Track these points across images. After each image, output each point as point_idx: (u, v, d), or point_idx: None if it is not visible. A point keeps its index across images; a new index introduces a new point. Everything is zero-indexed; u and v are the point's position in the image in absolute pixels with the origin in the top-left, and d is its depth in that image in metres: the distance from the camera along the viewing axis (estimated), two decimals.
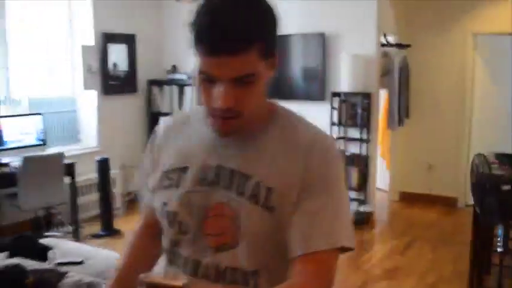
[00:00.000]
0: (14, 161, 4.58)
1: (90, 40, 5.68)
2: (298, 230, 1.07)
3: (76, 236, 4.94)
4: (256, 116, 1.11)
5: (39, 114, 5.14)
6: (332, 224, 1.08)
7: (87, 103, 5.86)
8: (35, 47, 5.44)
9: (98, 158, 5.23)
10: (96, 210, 5.41)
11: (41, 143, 5.06)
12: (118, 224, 5.30)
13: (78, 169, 5.07)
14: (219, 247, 1.11)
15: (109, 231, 5.19)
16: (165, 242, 1.21)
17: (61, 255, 3.20)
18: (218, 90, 1.02)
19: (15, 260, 2.80)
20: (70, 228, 5.06)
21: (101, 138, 5.85)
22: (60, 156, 4.80)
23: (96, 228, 5.24)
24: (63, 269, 2.84)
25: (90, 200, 5.49)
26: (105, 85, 5.86)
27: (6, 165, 4.59)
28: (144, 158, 1.30)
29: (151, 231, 1.29)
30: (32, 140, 5.01)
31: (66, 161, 4.87)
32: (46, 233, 4.61)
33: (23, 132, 4.96)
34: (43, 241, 3.36)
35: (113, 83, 5.96)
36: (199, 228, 1.13)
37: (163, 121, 1.29)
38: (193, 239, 1.14)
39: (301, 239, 1.06)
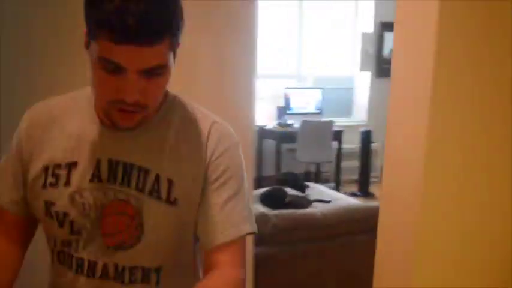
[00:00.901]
0: (295, 123, 5.80)
1: (370, 28, 6.55)
2: (208, 222, 1.04)
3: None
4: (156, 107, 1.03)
5: (320, 88, 6.29)
6: (240, 213, 1.06)
7: (362, 82, 6.78)
8: (323, 33, 6.58)
9: (362, 129, 6.10)
10: (355, 175, 6.31)
11: (318, 111, 6.22)
12: (373, 188, 6.10)
13: (345, 137, 6.05)
14: (117, 246, 1.04)
15: (365, 193, 6.04)
16: (50, 242, 1.10)
17: (315, 194, 4.16)
18: (125, 81, 0.89)
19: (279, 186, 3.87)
20: (332, 185, 6.09)
21: (369, 115, 6.70)
22: (330, 123, 5.83)
23: (354, 189, 6.16)
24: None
25: (351, 165, 6.41)
26: (378, 68, 6.66)
27: (290, 125, 5.86)
28: (6, 156, 1.13)
29: (7, 233, 1.13)
30: (312, 109, 6.20)
31: (336, 129, 5.89)
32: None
33: (305, 102, 6.19)
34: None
35: (386, 66, 6.71)
36: (95, 227, 1.04)
37: (31, 111, 1.12)
38: (88, 239, 1.04)
39: (213, 230, 1.04)
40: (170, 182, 1.03)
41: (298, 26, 6.40)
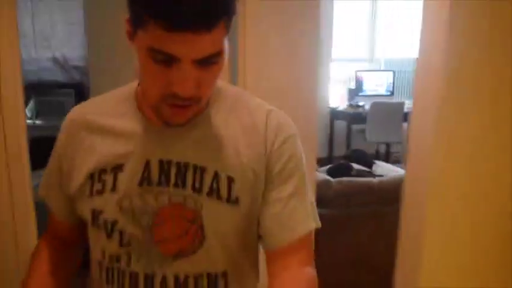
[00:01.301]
0: (366, 104, 6.03)
1: None
2: (274, 220, 0.96)
3: None
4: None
5: (392, 71, 6.45)
6: (306, 207, 0.99)
7: None
8: (395, 15, 6.72)
9: None
10: None
11: (389, 93, 6.39)
12: None
13: None
14: (177, 254, 0.94)
15: None
16: (97, 256, 1.00)
17: (381, 171, 4.41)
18: (178, 73, 0.80)
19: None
20: (401, 165, 6.26)
21: None
22: (401, 105, 5.99)
23: None
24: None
25: None
26: None
27: (361, 107, 6.10)
28: (50, 160, 1.07)
29: (60, 245, 1.10)
30: (383, 91, 6.38)
31: (407, 111, 6.04)
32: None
33: (377, 84, 6.38)
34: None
35: None
36: (148, 236, 0.93)
37: (68, 119, 1.03)
38: (141, 250, 0.94)
39: (279, 229, 0.96)
40: (230, 180, 0.93)
41: (371, 9, 6.58)
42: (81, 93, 4.32)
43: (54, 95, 4.84)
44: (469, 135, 1.54)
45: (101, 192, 0.95)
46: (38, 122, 4.49)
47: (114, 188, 0.94)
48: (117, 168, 0.95)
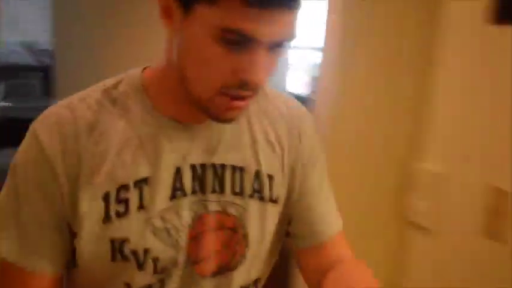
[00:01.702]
0: None
1: None
2: (324, 208, 0.90)
3: None
4: None
5: None
6: (332, 196, 0.92)
7: None
8: None
9: None
10: None
11: None
12: None
13: None
14: (215, 273, 0.80)
15: None
16: None
17: None
18: (253, 58, 0.65)
19: None
20: None
21: None
22: None
23: None
24: None
25: None
26: None
27: None
28: (26, 196, 0.74)
29: None
30: None
31: None
32: None
33: None
34: None
35: None
36: (185, 256, 0.77)
37: (50, 130, 0.73)
38: (177, 274, 0.78)
39: (331, 215, 0.90)
40: (271, 178, 0.83)
41: None
42: (49, 76, 4.38)
43: (23, 77, 4.89)
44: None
45: (123, 214, 0.73)
46: (6, 103, 4.55)
47: (141, 206, 0.74)
48: (142, 182, 0.74)
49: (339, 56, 1.45)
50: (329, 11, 1.47)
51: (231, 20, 0.62)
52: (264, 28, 0.63)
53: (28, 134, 0.75)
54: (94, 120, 0.74)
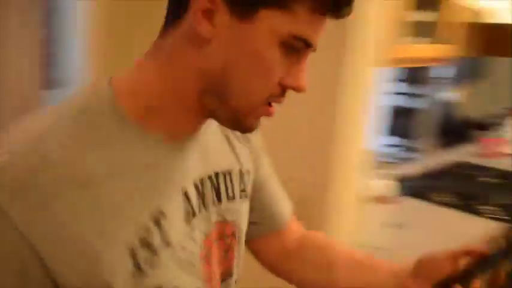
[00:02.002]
0: None
1: None
2: (276, 200, 0.94)
3: None
4: None
5: None
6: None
7: None
8: None
9: None
10: None
11: None
12: None
13: None
14: (221, 281, 0.79)
15: None
16: None
17: None
18: (301, 65, 0.64)
19: None
20: None
21: None
22: None
23: None
24: None
25: None
26: None
27: None
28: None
29: None
30: None
31: None
32: None
33: None
34: None
35: None
36: (202, 281, 0.71)
37: (16, 195, 0.54)
38: None
39: (282, 206, 0.95)
40: (248, 173, 0.84)
41: None
42: None
43: None
44: None
45: (152, 257, 0.62)
46: None
47: (167, 244, 0.64)
48: (160, 216, 0.64)
49: None
50: None
51: (302, 26, 0.59)
52: (317, 35, 0.62)
53: None
54: (84, 161, 0.58)
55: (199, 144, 0.72)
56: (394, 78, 5.94)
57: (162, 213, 0.64)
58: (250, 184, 0.85)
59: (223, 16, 0.59)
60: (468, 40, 2.71)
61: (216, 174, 0.76)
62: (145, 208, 0.62)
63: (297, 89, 0.64)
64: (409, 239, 1.70)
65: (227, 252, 0.79)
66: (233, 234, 0.79)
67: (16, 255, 0.54)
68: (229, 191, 0.78)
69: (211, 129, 0.76)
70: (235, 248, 0.81)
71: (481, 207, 2.04)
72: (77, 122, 0.60)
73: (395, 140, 6.10)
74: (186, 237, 0.68)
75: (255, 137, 0.88)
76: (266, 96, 0.63)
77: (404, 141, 5.96)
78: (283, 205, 0.95)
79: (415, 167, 2.59)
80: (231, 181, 0.79)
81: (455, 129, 4.35)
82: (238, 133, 0.79)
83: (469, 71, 5.01)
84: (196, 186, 0.71)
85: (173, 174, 0.67)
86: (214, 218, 0.75)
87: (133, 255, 0.60)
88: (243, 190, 0.82)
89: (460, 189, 2.24)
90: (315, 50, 0.64)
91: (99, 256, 0.57)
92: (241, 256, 0.83)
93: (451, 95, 5.17)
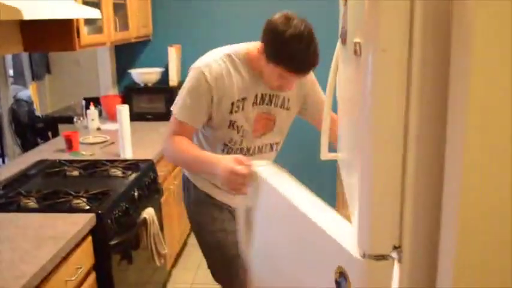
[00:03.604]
0: None
1: None
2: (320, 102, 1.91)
3: None
4: None
5: None
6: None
7: None
8: None
9: None
10: None
11: None
12: None
13: None
14: (263, 134, 1.88)
15: None
16: (225, 141, 1.85)
17: None
18: (291, 81, 1.74)
19: None
20: None
21: None
22: None
23: None
24: None
25: None
26: None
27: None
28: (199, 90, 1.74)
29: (190, 135, 1.82)
30: None
31: None
32: None
33: None
34: None
35: None
36: (251, 128, 1.84)
37: (210, 72, 1.74)
38: (247, 136, 1.85)
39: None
40: (288, 100, 1.89)
41: None
42: None
43: None
44: None
45: (237, 111, 1.81)
46: None
47: (243, 109, 1.82)
48: (244, 99, 1.81)
49: None
50: None
51: (283, 73, 1.68)
52: (296, 79, 1.77)
53: (196, 71, 1.78)
54: (228, 70, 1.78)
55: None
56: None
57: (246, 98, 1.81)
58: (289, 105, 1.90)
59: (263, 57, 1.71)
60: (15, 38, 2.65)
61: (272, 94, 1.85)
62: (241, 94, 1.79)
63: (282, 84, 1.77)
64: None
65: (266, 125, 1.89)
66: (271, 119, 1.89)
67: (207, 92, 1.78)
68: (277, 103, 1.87)
69: None
70: (271, 125, 1.91)
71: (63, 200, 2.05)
72: (230, 58, 1.81)
73: None
74: (251, 111, 1.83)
75: (304, 79, 1.86)
76: (274, 80, 1.75)
77: None
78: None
79: None
80: (278, 99, 1.87)
81: (37, 127, 4.28)
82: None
83: (31, 68, 4.97)
84: (262, 95, 1.83)
85: (254, 88, 1.81)
86: (265, 109, 1.86)
87: (232, 104, 1.79)
88: (282, 105, 1.89)
89: (51, 187, 2.20)
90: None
91: (223, 99, 1.78)
92: (276, 127, 1.93)
93: (22, 94, 5.04)
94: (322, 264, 1.12)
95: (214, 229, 1.91)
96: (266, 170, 1.46)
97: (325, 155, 1.61)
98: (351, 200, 1.22)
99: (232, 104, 1.78)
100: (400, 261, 0.92)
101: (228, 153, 1.84)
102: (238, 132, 1.84)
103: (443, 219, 0.80)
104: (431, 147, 0.82)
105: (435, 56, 0.79)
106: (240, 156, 1.57)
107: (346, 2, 1.20)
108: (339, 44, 1.44)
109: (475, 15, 0.65)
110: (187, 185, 2.02)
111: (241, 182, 1.50)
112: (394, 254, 0.93)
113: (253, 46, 1.78)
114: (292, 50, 1.60)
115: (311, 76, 1.93)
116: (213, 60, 1.77)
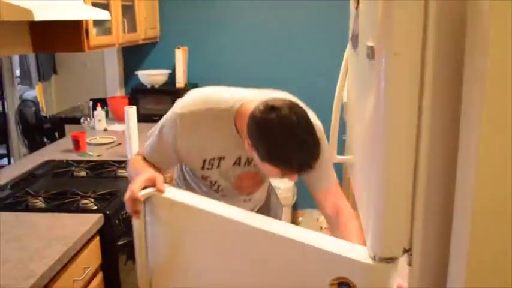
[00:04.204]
0: None
1: None
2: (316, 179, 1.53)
3: None
4: None
5: None
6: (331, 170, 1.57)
7: None
8: None
9: None
10: None
11: None
12: None
13: None
14: (250, 193, 1.68)
15: None
16: (199, 182, 1.64)
17: None
18: (295, 175, 1.35)
19: None
20: None
21: None
22: None
23: None
24: None
25: None
26: None
27: None
28: (164, 143, 1.52)
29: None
30: None
31: None
32: None
33: None
34: None
35: None
36: (231, 186, 1.60)
37: (182, 121, 1.47)
38: (226, 194, 1.62)
39: (321, 182, 1.54)
40: None
41: None
42: None
43: None
44: None
45: (210, 169, 1.57)
46: None
47: (218, 167, 1.57)
48: (221, 158, 1.55)
49: None
50: None
51: (272, 168, 1.33)
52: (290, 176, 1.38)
53: (172, 113, 1.52)
54: (202, 124, 1.49)
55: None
56: None
57: (222, 158, 1.54)
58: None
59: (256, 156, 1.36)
60: (24, 38, 2.67)
61: (248, 158, 1.54)
62: (221, 152, 1.53)
63: (283, 175, 1.37)
64: (0, 258, 1.57)
65: (253, 186, 1.67)
66: (258, 180, 1.65)
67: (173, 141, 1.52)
68: (254, 165, 1.50)
69: None
70: (257, 186, 1.69)
71: (77, 203, 2.06)
72: (216, 116, 1.48)
73: None
74: (230, 169, 1.57)
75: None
76: (273, 175, 1.40)
77: None
78: (320, 183, 1.56)
79: (5, 175, 2.42)
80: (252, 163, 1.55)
81: (44, 128, 4.30)
82: None
83: (38, 68, 4.98)
84: (246, 159, 1.54)
85: (236, 149, 1.51)
86: (247, 170, 1.58)
87: (204, 161, 1.54)
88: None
89: (59, 187, 2.21)
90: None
91: (193, 153, 1.53)
92: (261, 190, 1.76)
93: (28, 94, 5.05)
94: (311, 280, 1.11)
95: None
96: (173, 192, 1.37)
97: (334, 157, 1.62)
98: (361, 202, 1.22)
99: (204, 161, 1.54)
100: (410, 264, 0.92)
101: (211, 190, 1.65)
102: (212, 187, 1.62)
103: (455, 222, 0.80)
104: (443, 150, 0.83)
105: (448, 59, 0.79)
106: (157, 177, 1.36)
107: (357, 5, 1.21)
108: (348, 47, 1.44)
109: (491, 17, 0.66)
110: None
111: (129, 205, 1.32)
112: (405, 257, 0.93)
113: (255, 103, 1.37)
114: (288, 151, 1.27)
115: None
116: (195, 107, 1.48)
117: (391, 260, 0.93)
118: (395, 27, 0.80)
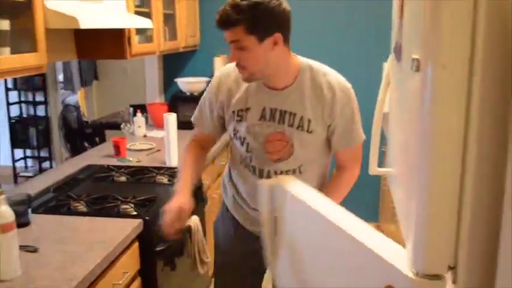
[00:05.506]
0: None
1: None
2: (340, 138, 1.71)
3: None
4: (283, 73, 1.65)
5: None
6: (358, 131, 1.73)
7: None
8: None
9: None
10: None
11: None
12: None
13: None
14: (277, 160, 1.70)
15: None
16: (237, 155, 1.79)
17: None
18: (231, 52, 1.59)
19: None
20: None
21: None
22: None
23: None
24: None
25: None
26: None
27: None
28: (207, 96, 1.82)
29: (201, 144, 1.90)
30: None
31: None
32: None
33: None
34: None
35: None
36: (262, 148, 1.70)
37: (220, 78, 1.78)
38: (256, 156, 1.72)
39: (343, 142, 1.72)
40: (309, 121, 1.67)
41: None
42: None
43: None
44: None
45: (239, 121, 1.73)
46: None
47: (245, 119, 1.71)
48: (248, 110, 1.71)
49: None
50: None
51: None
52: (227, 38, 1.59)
53: (214, 77, 1.84)
54: (232, 79, 1.75)
55: (285, 95, 1.68)
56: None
57: (249, 109, 1.70)
58: (312, 127, 1.67)
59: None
60: (69, 45, 2.74)
61: (284, 111, 1.67)
62: (245, 104, 1.71)
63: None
64: (44, 260, 1.61)
65: (283, 149, 1.70)
66: (288, 143, 1.68)
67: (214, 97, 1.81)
68: (291, 122, 1.66)
69: (301, 93, 1.68)
70: (287, 151, 1.70)
71: (123, 206, 2.09)
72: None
73: (21, 152, 5.73)
74: (256, 125, 1.70)
75: (336, 105, 1.67)
76: None
77: (33, 152, 5.68)
78: (342, 143, 1.74)
79: (48, 179, 2.49)
80: (293, 118, 1.66)
81: (85, 133, 4.39)
82: (317, 94, 1.67)
83: (80, 75, 5.09)
84: (270, 109, 1.68)
85: (262, 99, 1.69)
86: (278, 129, 1.68)
87: (234, 114, 1.74)
88: (301, 126, 1.67)
89: (100, 192, 2.26)
90: (230, 44, 1.59)
91: (230, 105, 1.75)
92: (296, 152, 1.70)
93: (70, 99, 5.17)
94: (367, 282, 1.10)
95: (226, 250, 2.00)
96: (294, 185, 1.36)
97: (374, 170, 1.59)
98: (402, 217, 1.20)
99: (233, 112, 1.73)
100: (454, 281, 0.90)
101: (246, 168, 1.79)
102: (242, 145, 1.74)
103: (503, 238, 0.78)
104: (491, 163, 0.81)
105: (497, 73, 0.77)
106: (184, 206, 1.67)
107: (402, 15, 1.19)
108: (391, 58, 1.43)
109: None
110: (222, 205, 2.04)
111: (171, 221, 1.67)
112: (449, 274, 0.91)
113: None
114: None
115: (345, 108, 1.70)
116: (228, 67, 1.78)
117: (435, 277, 0.91)
118: (443, 40, 0.79)
